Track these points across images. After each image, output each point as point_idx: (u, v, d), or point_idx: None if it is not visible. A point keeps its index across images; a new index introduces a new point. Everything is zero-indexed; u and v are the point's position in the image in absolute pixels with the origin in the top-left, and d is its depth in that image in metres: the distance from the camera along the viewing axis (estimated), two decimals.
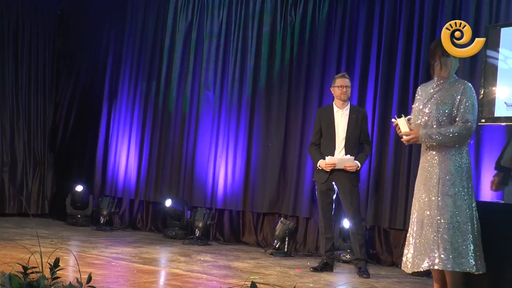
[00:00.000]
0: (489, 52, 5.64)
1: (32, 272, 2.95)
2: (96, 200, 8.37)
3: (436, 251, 3.92)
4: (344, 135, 5.86)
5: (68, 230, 7.73)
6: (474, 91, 4.14)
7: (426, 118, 4.12)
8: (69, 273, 4.35)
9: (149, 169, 8.30)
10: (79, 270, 3.06)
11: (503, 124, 5.68)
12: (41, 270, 2.92)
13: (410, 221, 4.16)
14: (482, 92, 5.62)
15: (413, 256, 4.04)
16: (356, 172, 5.87)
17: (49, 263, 2.96)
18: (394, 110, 6.68)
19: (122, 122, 8.56)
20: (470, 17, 6.25)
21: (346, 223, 6.77)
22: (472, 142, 6.17)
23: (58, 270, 2.96)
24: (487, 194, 5.88)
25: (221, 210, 7.76)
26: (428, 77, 6.48)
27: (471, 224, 3.94)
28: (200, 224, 7.28)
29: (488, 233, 3.97)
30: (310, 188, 7.17)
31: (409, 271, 4.08)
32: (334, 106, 5.97)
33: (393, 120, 4.22)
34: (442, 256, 3.90)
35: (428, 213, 4.00)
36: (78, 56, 9.08)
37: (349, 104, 5.98)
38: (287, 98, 7.51)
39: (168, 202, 7.80)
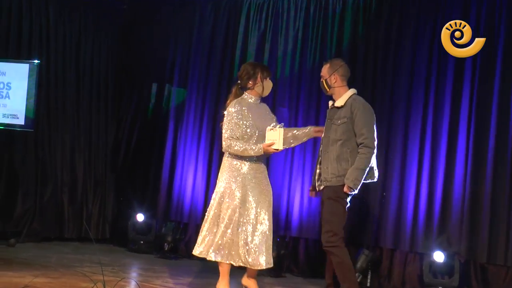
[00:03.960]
0: None
1: None
2: (160, 225, 8.37)
3: (264, 252, 5.43)
4: None
5: (130, 257, 7.80)
6: None
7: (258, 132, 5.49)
8: None
9: None
10: None
11: None
12: None
13: (228, 220, 5.38)
14: None
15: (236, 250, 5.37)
16: None
17: None
18: (493, 125, 6.57)
19: (189, 140, 8.54)
20: None
21: (437, 256, 6.54)
22: None
23: None
24: None
25: (295, 239, 7.63)
26: None
27: None
28: (273, 254, 7.10)
29: None
30: (395, 216, 7.10)
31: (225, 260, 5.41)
32: None
33: (277, 128, 5.35)
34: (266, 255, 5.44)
35: (262, 219, 5.44)
36: (142, 70, 9.14)
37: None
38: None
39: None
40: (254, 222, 5.46)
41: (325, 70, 5.45)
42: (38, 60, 7.99)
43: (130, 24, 9.33)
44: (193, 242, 7.64)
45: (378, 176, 6.84)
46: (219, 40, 8.49)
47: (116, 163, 9.15)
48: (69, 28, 8.68)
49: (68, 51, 8.67)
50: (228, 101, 5.64)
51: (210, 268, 7.23)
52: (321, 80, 5.48)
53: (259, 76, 5.55)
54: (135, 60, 9.21)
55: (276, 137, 5.35)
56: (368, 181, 5.41)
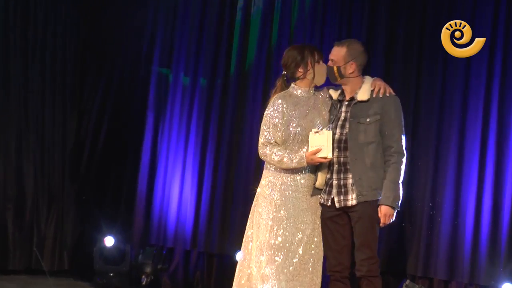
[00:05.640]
0: None
1: None
2: (136, 252, 8.38)
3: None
4: None
5: None
6: None
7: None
8: None
9: (212, 207, 8.22)
10: None
11: None
12: None
13: (274, 249, 5.50)
14: None
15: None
16: None
17: None
18: None
19: (174, 139, 8.48)
20: None
21: None
22: None
23: None
24: None
25: None
26: None
27: None
28: None
29: None
30: (449, 237, 7.09)
31: None
32: None
33: (325, 131, 5.45)
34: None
35: (316, 240, 5.57)
36: (111, 46, 9.03)
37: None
38: (414, 104, 7.40)
39: (240, 255, 7.51)
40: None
41: (339, 55, 5.50)
42: None
43: None
44: (180, 272, 8.39)
45: (426, 187, 7.31)
46: (214, 3, 8.44)
47: (78, 171, 9.01)
48: None
49: (12, 21, 8.51)
50: (271, 97, 5.75)
51: None
52: (331, 65, 5.52)
53: (309, 60, 5.61)
54: (102, 33, 9.06)
55: (323, 142, 5.39)
56: None
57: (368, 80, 5.51)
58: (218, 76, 8.33)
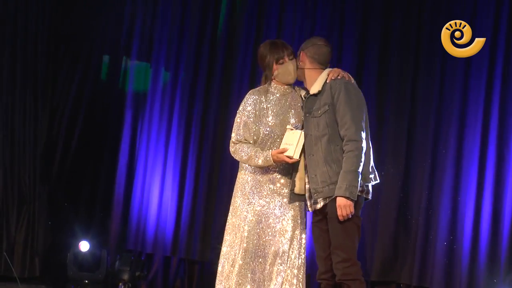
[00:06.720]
0: None
1: None
2: (113, 258, 8.34)
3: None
4: None
5: None
6: None
7: None
8: None
9: (194, 211, 8.18)
10: None
11: None
12: None
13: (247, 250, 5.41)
14: None
15: None
16: None
17: None
18: None
19: (154, 138, 8.42)
20: None
21: None
22: None
23: None
24: None
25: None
26: None
27: None
28: None
29: None
30: (446, 245, 7.10)
31: None
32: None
33: (297, 130, 5.38)
34: None
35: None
36: (86, 37, 8.83)
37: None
38: (410, 105, 7.43)
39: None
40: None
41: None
42: None
43: None
44: (159, 280, 8.37)
45: (422, 192, 7.29)
46: None
47: (50, 172, 8.81)
48: None
49: None
50: None
51: None
52: None
53: (270, 61, 5.54)
54: (78, 23, 8.83)
55: (293, 141, 5.33)
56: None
57: (325, 72, 5.46)
58: (202, 71, 8.22)
